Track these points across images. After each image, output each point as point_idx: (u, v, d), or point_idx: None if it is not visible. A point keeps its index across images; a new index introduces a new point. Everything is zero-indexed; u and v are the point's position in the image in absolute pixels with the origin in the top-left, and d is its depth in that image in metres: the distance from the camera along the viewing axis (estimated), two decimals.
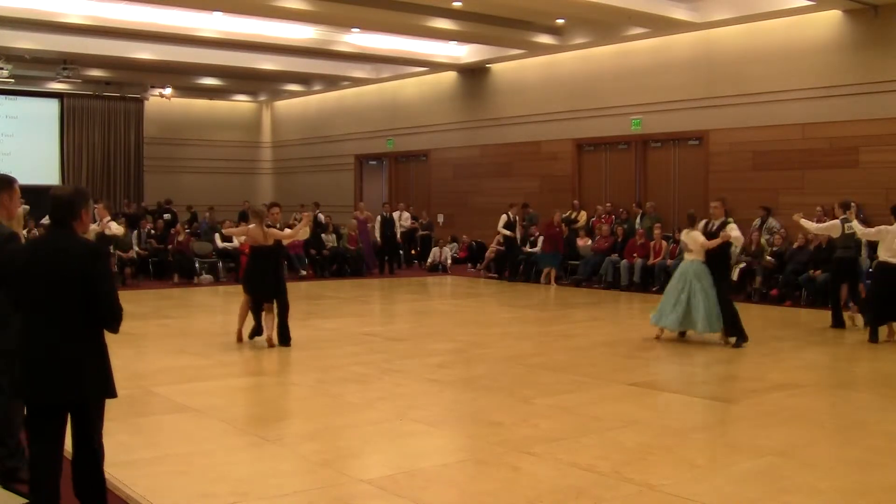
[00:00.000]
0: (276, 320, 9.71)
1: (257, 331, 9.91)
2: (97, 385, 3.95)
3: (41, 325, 3.89)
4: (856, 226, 11.08)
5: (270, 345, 9.62)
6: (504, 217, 18.45)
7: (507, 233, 18.30)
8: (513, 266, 18.55)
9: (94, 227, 12.09)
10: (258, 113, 29.98)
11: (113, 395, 4.05)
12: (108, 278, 3.96)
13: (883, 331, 10.32)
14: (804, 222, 11.40)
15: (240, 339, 9.93)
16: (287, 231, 10.86)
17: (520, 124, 20.75)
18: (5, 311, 4.33)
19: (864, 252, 12.76)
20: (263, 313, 9.77)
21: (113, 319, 3.97)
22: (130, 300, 12.88)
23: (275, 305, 9.71)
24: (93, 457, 4.06)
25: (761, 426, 6.38)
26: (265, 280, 9.73)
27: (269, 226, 9.85)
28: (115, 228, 12.22)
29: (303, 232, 11.01)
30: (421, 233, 21.79)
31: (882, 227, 10.48)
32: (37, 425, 3.99)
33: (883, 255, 10.27)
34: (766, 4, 15.38)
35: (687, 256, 10.21)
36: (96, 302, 3.88)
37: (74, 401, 3.93)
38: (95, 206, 12.76)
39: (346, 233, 20.00)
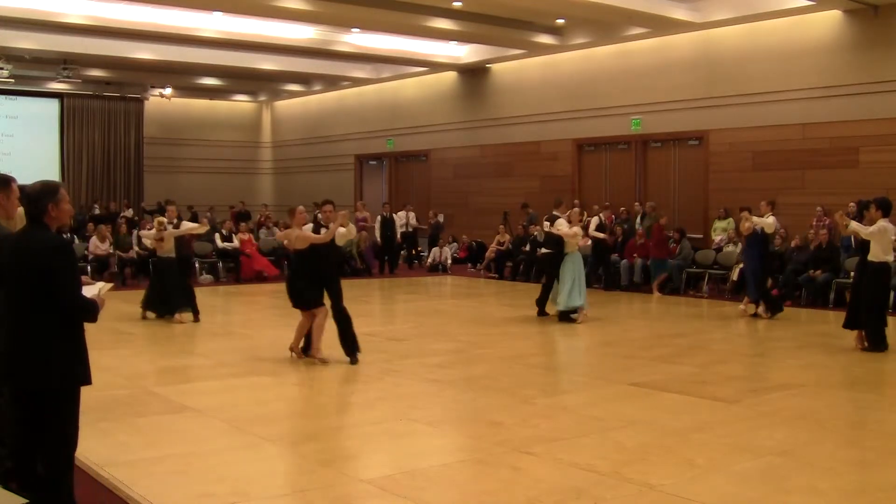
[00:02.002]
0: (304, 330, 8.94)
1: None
2: (65, 372, 4.07)
3: (13, 317, 4.07)
4: (857, 226, 10.47)
5: (298, 355, 8.91)
6: (595, 219, 16.41)
7: (601, 235, 16.25)
8: (608, 273, 16.67)
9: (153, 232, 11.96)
10: (258, 113, 29.98)
11: (85, 381, 4.16)
12: (67, 271, 4.08)
13: (853, 335, 9.77)
14: (855, 226, 9.94)
15: (296, 352, 8.98)
16: (309, 234, 9.31)
17: (520, 124, 20.74)
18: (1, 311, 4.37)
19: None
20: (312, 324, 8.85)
21: (79, 311, 4.10)
22: (130, 300, 12.91)
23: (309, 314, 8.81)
24: (55, 446, 4.14)
25: (761, 426, 6.37)
26: (292, 286, 8.94)
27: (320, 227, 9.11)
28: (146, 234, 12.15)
29: (342, 232, 9.45)
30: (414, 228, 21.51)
31: (881, 224, 9.62)
32: (17, 409, 4.17)
33: (881, 255, 9.59)
34: (766, 4, 15.38)
35: (572, 248, 12.09)
36: (57, 294, 4.01)
37: (43, 387, 4.05)
38: (168, 206, 12.65)
39: (358, 240, 19.51)
